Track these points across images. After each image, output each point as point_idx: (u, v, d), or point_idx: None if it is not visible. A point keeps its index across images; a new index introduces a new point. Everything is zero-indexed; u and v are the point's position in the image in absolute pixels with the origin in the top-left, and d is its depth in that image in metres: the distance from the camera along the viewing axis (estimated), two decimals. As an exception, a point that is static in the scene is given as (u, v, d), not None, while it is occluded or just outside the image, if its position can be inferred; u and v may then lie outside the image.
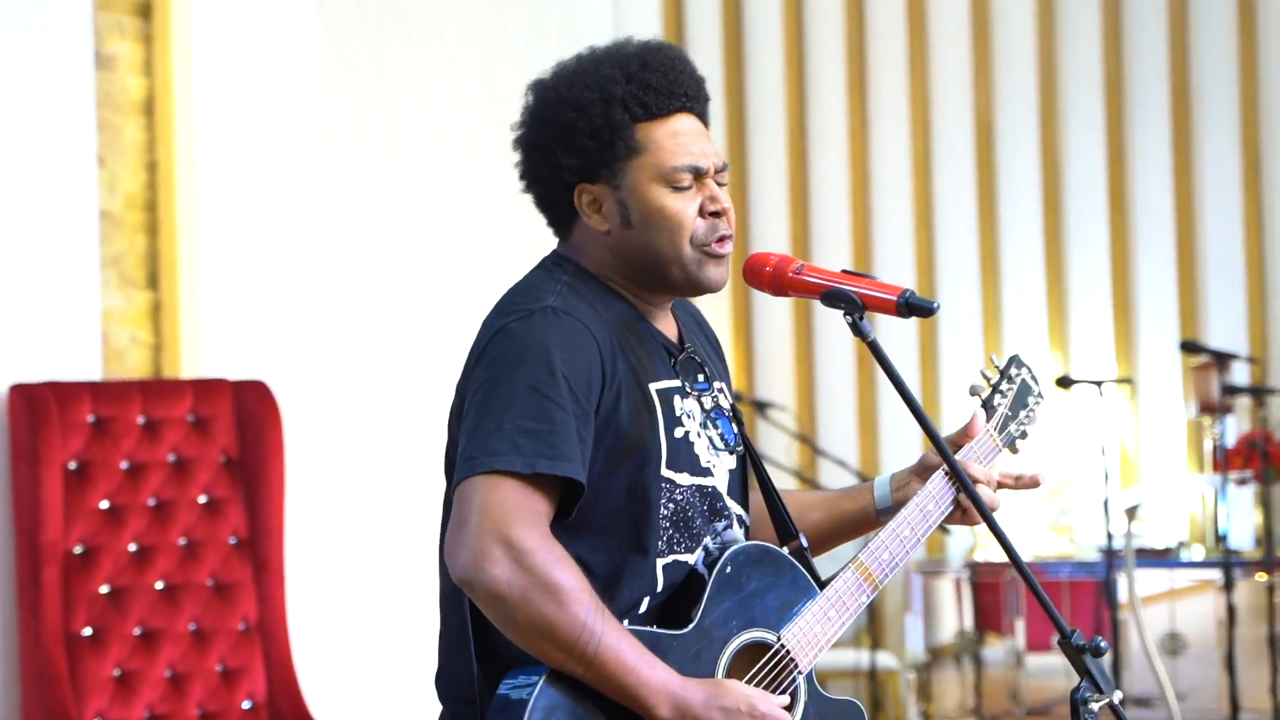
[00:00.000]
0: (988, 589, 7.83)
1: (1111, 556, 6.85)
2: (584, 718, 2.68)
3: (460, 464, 2.70)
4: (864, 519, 3.09)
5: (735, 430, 2.96)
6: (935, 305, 2.79)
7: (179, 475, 5.57)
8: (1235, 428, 7.82)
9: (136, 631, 5.42)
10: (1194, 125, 8.12)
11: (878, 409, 8.45)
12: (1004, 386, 3.16)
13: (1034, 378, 3.20)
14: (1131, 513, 7.01)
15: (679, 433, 2.84)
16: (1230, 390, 6.98)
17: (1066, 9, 8.29)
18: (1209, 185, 8.11)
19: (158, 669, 5.44)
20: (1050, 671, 7.71)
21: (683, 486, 2.83)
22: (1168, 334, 8.13)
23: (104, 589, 5.38)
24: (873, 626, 7.71)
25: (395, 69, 6.88)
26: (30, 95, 5.56)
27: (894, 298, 2.81)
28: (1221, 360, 7.02)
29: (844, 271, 2.87)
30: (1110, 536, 6.73)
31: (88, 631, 5.33)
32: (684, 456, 2.83)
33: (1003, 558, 7.86)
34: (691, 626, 2.76)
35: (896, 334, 8.08)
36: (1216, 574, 7.29)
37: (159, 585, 5.49)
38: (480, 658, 2.79)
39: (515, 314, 2.77)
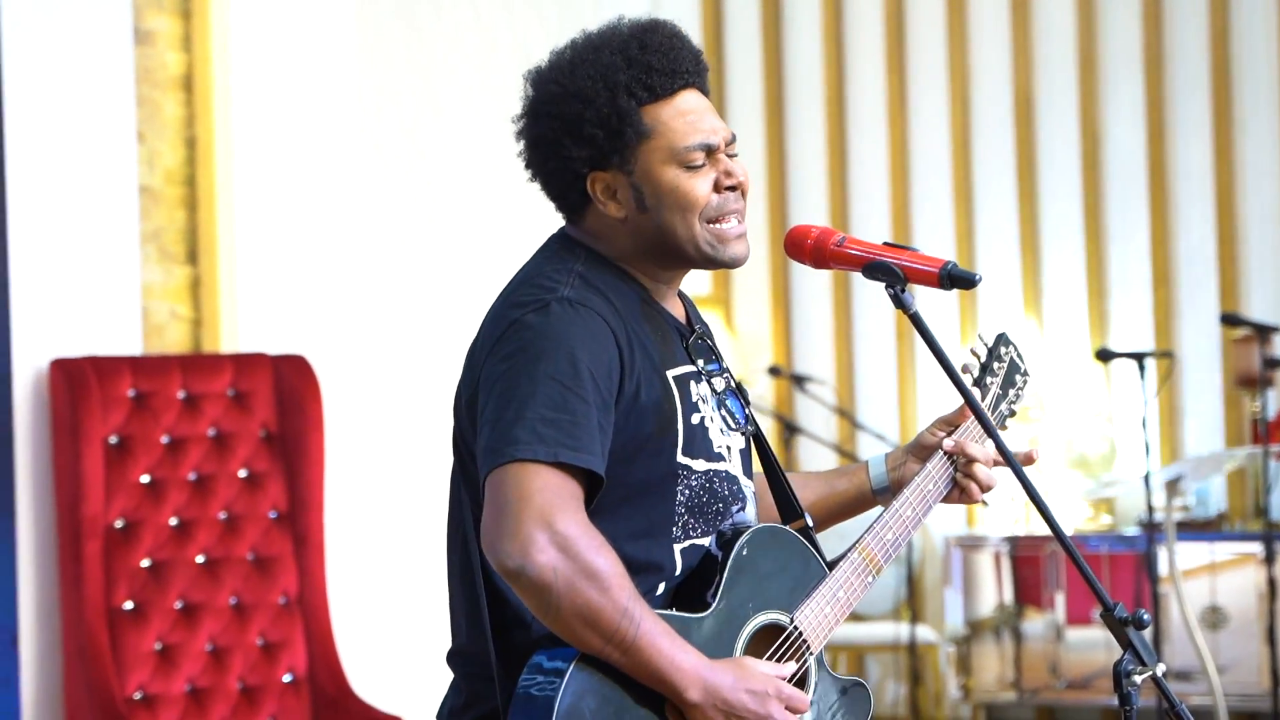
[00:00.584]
0: (1027, 562, 7.81)
1: (1152, 530, 6.82)
2: (614, 701, 2.68)
3: (485, 456, 2.70)
4: (859, 499, 3.10)
5: (745, 410, 2.96)
6: (977, 277, 2.79)
7: (219, 449, 5.59)
8: (1276, 401, 7.78)
9: (177, 605, 5.44)
10: (1234, 100, 8.08)
11: (917, 382, 8.44)
12: (994, 365, 3.16)
13: (1020, 355, 3.21)
14: (1172, 486, 6.99)
15: (695, 419, 2.84)
16: (1271, 363, 6.95)
17: (1106, -19, 8.26)
18: (1249, 159, 8.07)
19: (198, 643, 5.47)
20: (1090, 645, 7.69)
21: (698, 473, 2.83)
22: (1208, 307, 8.09)
23: (145, 563, 5.40)
24: (912, 600, 7.71)
25: (430, 44, 6.88)
26: (70, 71, 5.58)
27: (936, 270, 2.81)
28: (1262, 333, 6.98)
29: (885, 244, 2.87)
30: (1151, 509, 6.70)
31: (129, 605, 5.36)
32: (700, 443, 2.84)
33: (1042, 531, 7.85)
34: (711, 609, 2.76)
35: (936, 307, 8.06)
36: (1257, 547, 7.26)
37: (199, 559, 5.51)
38: (497, 638, 2.79)
39: (530, 305, 2.76)
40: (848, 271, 2.88)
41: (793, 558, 2.87)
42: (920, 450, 3.06)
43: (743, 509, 2.90)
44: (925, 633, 7.89)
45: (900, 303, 2.81)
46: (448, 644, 2.90)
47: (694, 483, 2.82)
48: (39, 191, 5.46)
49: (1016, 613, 7.81)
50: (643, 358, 2.78)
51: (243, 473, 5.62)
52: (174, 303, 5.96)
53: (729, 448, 2.90)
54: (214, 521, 5.54)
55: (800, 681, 2.83)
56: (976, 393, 3.10)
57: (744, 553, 2.81)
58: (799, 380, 7.90)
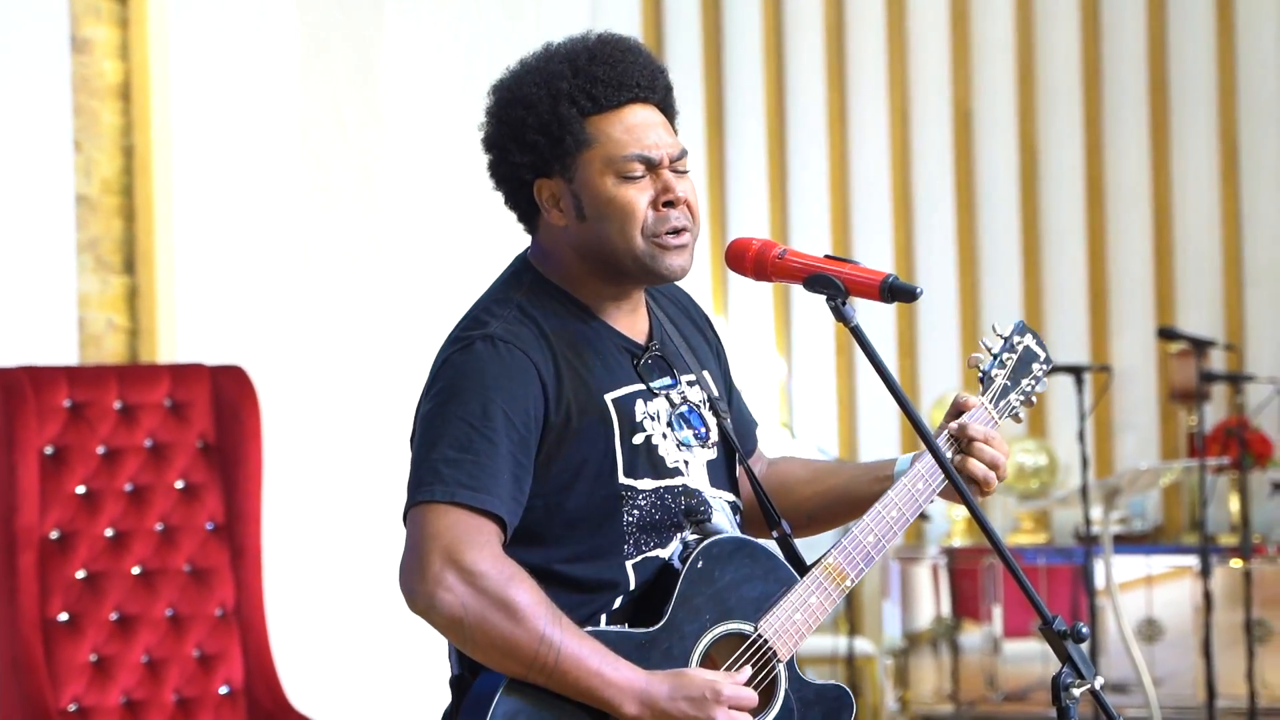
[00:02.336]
0: (965, 575, 7.83)
1: (1089, 542, 6.85)
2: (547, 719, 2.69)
3: (407, 494, 2.77)
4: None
5: (707, 423, 2.93)
6: (918, 290, 2.79)
7: (156, 460, 5.55)
8: (1213, 414, 7.83)
9: (113, 617, 5.40)
10: (1171, 115, 8.12)
11: (856, 395, 8.45)
12: (1005, 356, 3.13)
13: (1039, 344, 3.16)
14: (1109, 499, 7.02)
15: (638, 439, 2.83)
16: (1207, 377, 6.99)
17: (1046, 0, 8.31)
18: (1186, 174, 8.12)
19: (134, 655, 5.43)
20: (1027, 657, 7.71)
21: (645, 492, 2.82)
22: (1145, 321, 8.13)
23: (80, 574, 5.36)
24: (850, 612, 7.73)
25: (372, 53, 6.86)
26: (6, 79, 5.54)
27: (877, 282, 2.81)
28: (1199, 347, 7.03)
29: (827, 256, 2.87)
30: (1088, 522, 6.73)
31: (64, 617, 5.32)
32: (644, 462, 2.83)
33: (980, 544, 7.87)
34: (662, 623, 2.77)
35: (874, 321, 8.08)
36: (1193, 560, 7.30)
37: (136, 571, 5.47)
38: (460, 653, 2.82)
39: (459, 343, 2.80)
40: (788, 284, 2.88)
41: (758, 568, 2.86)
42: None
43: (708, 520, 2.89)
44: (863, 645, 7.90)
45: (841, 315, 2.81)
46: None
47: (641, 502, 2.82)
48: (-25, 200, 5.43)
49: (954, 625, 7.83)
50: (575, 385, 2.79)
51: (180, 484, 5.59)
52: (111, 313, 5.92)
53: (687, 462, 2.89)
54: (150, 533, 5.51)
55: (769, 688, 2.82)
56: (984, 412, 3.06)
57: (699, 565, 2.80)
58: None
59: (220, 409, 5.67)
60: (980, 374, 3.11)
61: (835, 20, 8.53)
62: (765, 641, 2.82)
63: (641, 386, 2.87)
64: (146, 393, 5.56)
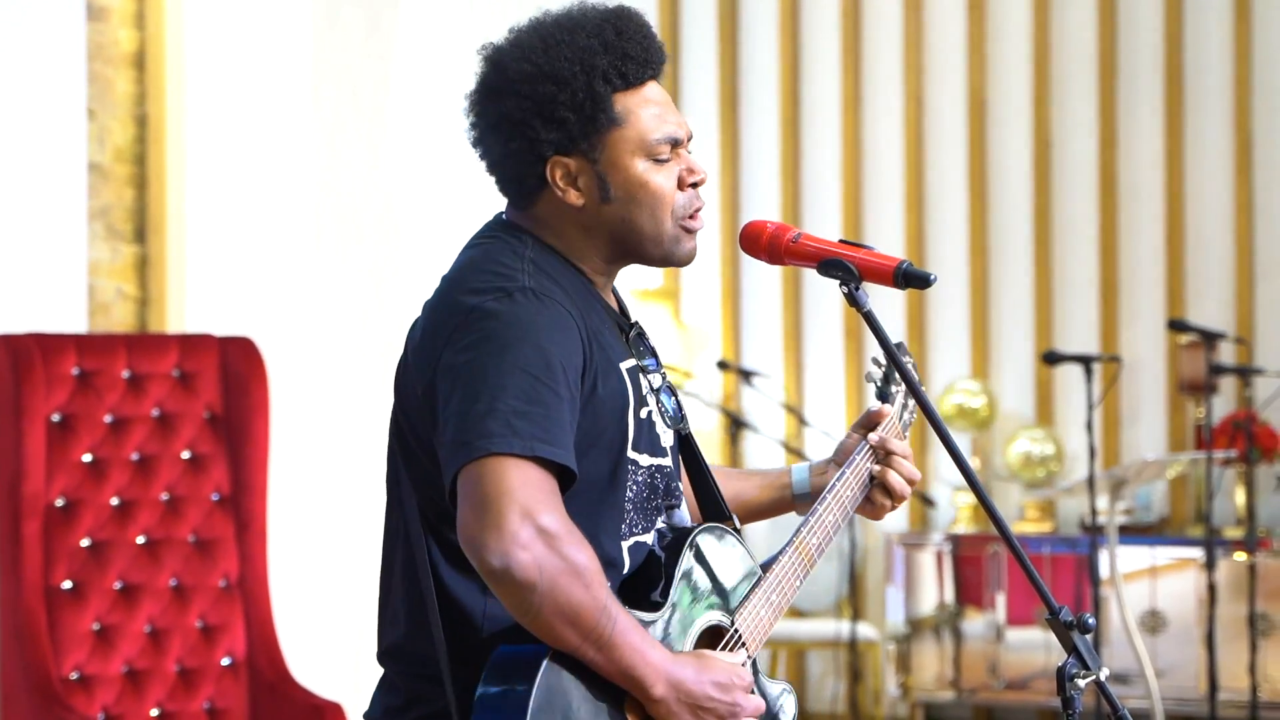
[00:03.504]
0: (969, 562, 7.83)
1: (1094, 532, 6.85)
2: (582, 698, 2.63)
3: (454, 450, 2.60)
4: (777, 504, 3.08)
5: (679, 406, 2.92)
6: (932, 277, 2.78)
7: (163, 430, 5.55)
8: (1221, 407, 7.82)
9: (117, 586, 5.41)
10: (1186, 105, 8.11)
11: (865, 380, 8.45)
12: (895, 375, 3.14)
13: (913, 366, 3.16)
14: (1115, 489, 7.01)
15: (644, 413, 2.80)
16: (1217, 370, 6.98)
17: (1062, -16, 8.29)
18: (1199, 165, 8.11)
19: (137, 624, 5.43)
20: (1030, 646, 7.71)
21: (643, 468, 2.79)
22: (1155, 312, 8.12)
23: (85, 543, 5.36)
24: (853, 597, 7.72)
25: (385, 26, 6.85)
26: (21, 46, 5.53)
27: (891, 268, 2.80)
28: (1208, 339, 7.01)
29: (841, 241, 2.86)
30: (1094, 512, 6.73)
31: (68, 585, 5.32)
32: (646, 437, 2.80)
33: (985, 531, 7.87)
34: (663, 610, 2.73)
35: (884, 306, 8.07)
36: (1198, 552, 7.29)
37: (140, 540, 5.47)
38: (448, 637, 2.72)
39: (489, 293, 2.68)
40: (800, 267, 2.87)
41: (731, 559, 2.85)
42: (843, 456, 3.04)
43: (678, 507, 2.87)
44: (866, 630, 7.90)
45: (854, 300, 2.80)
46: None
47: (639, 478, 2.79)
48: (-13, 166, 5.43)
49: (957, 612, 7.83)
50: (598, 350, 2.73)
51: (186, 454, 5.59)
52: (120, 281, 5.92)
53: (670, 446, 2.87)
54: (156, 503, 5.51)
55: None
56: (900, 396, 3.11)
57: (692, 551, 2.78)
58: (747, 375, 7.90)
59: (228, 380, 5.66)
60: (877, 391, 3.12)
61: (851, 5, 8.51)
62: (740, 636, 2.81)
63: (637, 361, 2.83)
64: (155, 362, 5.56)
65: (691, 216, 2.82)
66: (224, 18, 6.12)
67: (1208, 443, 7.00)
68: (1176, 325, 7.18)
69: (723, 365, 8.08)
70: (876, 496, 3.03)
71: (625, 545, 2.78)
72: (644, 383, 2.82)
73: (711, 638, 2.80)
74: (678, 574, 2.75)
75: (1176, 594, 7.54)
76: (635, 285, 8.56)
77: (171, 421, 5.57)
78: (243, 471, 5.64)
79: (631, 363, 2.81)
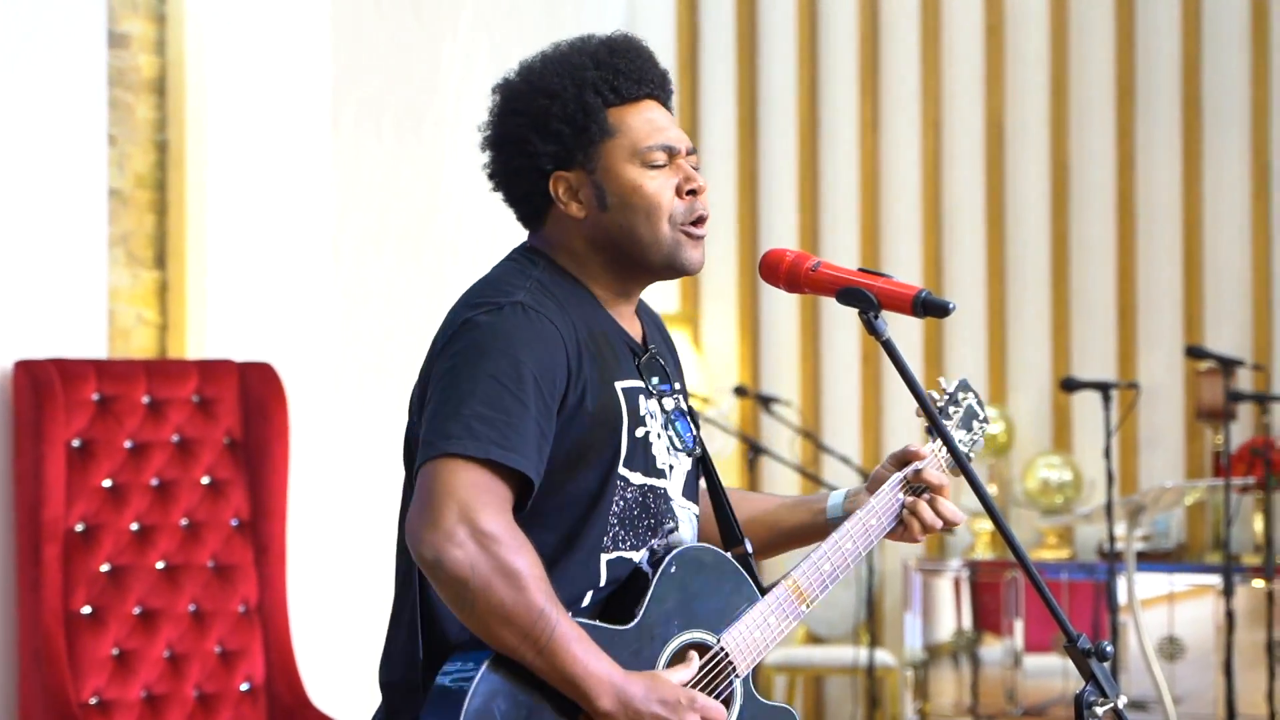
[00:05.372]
0: (987, 589, 7.82)
1: (1112, 559, 6.84)
2: (525, 704, 2.69)
3: (420, 448, 2.72)
4: (812, 531, 3.11)
5: (693, 432, 2.96)
6: (951, 305, 2.80)
7: (182, 455, 5.57)
8: (1239, 434, 7.81)
9: (136, 611, 5.42)
10: (1204, 131, 8.11)
11: (882, 406, 8.45)
12: (950, 410, 3.18)
13: (980, 403, 3.23)
14: (1133, 516, 7.01)
15: (640, 432, 2.85)
16: (1234, 396, 6.97)
17: (1080, 13, 8.28)
18: (1217, 191, 8.10)
19: (156, 649, 5.44)
20: (1048, 672, 7.70)
21: (634, 485, 2.84)
22: (1173, 339, 8.12)
23: (104, 568, 5.37)
24: (871, 623, 7.72)
25: (407, 53, 6.87)
26: (43, 72, 5.56)
27: (910, 297, 2.82)
28: (1226, 366, 7.01)
29: (860, 270, 2.87)
30: (1112, 539, 6.72)
31: (87, 610, 5.33)
32: (641, 456, 2.85)
33: (1002, 557, 7.87)
34: (634, 623, 2.77)
35: (901, 333, 8.07)
36: (1216, 579, 7.28)
37: (160, 565, 5.49)
38: (426, 643, 2.80)
39: (483, 307, 2.78)
40: (819, 295, 2.89)
41: (724, 580, 2.88)
42: (873, 485, 3.08)
43: (676, 528, 2.90)
44: (883, 656, 7.89)
45: (873, 329, 2.82)
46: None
47: (629, 495, 2.83)
48: (8, 191, 5.44)
49: (975, 638, 7.82)
50: (592, 366, 2.80)
51: (205, 480, 5.60)
52: (141, 307, 5.94)
53: (672, 467, 2.91)
54: (175, 528, 5.52)
55: (725, 703, 2.83)
56: (935, 459, 3.11)
57: (672, 570, 2.82)
58: (765, 401, 7.90)
59: (248, 405, 5.68)
60: (927, 429, 3.10)
61: (869, 30, 8.53)
62: (726, 655, 2.83)
63: (643, 384, 2.88)
64: (175, 388, 5.58)
65: (694, 224, 2.85)
66: (244, 44, 6.14)
67: (1226, 469, 7.00)
68: (1194, 352, 7.18)
69: (740, 391, 8.09)
70: (913, 526, 3.04)
71: (605, 558, 2.83)
72: (644, 405, 2.86)
73: (699, 656, 2.82)
74: (652, 589, 2.79)
75: (1194, 621, 7.52)
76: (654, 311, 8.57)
77: (191, 447, 5.58)
78: (262, 497, 5.65)
79: (632, 383, 2.86)
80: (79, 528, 5.34)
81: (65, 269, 5.60)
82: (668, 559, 2.82)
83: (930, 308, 2.81)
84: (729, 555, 2.92)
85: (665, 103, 2.95)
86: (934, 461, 3.08)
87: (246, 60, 6.15)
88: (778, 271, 2.91)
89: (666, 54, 8.76)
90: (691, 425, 2.97)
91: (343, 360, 6.49)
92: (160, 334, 5.98)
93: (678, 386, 2.98)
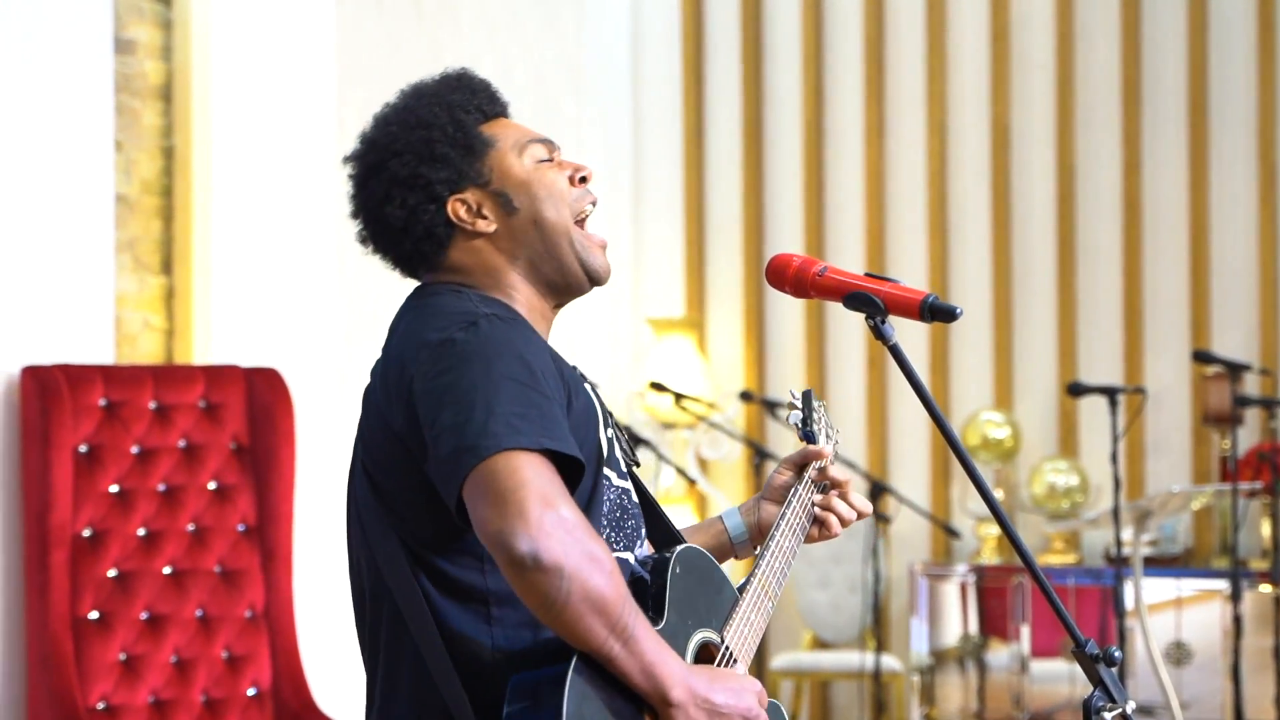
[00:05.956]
0: (993, 593, 7.82)
1: (1119, 564, 6.84)
2: (609, 705, 2.64)
3: (459, 457, 2.60)
4: (718, 551, 3.13)
5: (631, 456, 2.97)
6: (958, 310, 2.80)
7: (189, 461, 5.57)
8: (1246, 439, 7.81)
9: (143, 616, 5.42)
10: (1210, 135, 8.11)
11: (888, 411, 8.45)
12: (814, 416, 3.22)
13: (826, 410, 3.29)
14: (1140, 521, 7.00)
15: (609, 433, 2.86)
16: (1241, 401, 6.97)
17: (1085, 17, 8.29)
18: (1224, 195, 8.11)
19: (163, 654, 5.44)
20: (1054, 677, 7.70)
21: (615, 487, 2.85)
22: (1179, 343, 8.12)
23: (112, 573, 5.38)
24: (878, 628, 7.71)
25: (411, 60, 6.88)
26: (49, 78, 5.56)
27: (917, 301, 2.82)
28: (1233, 371, 7.00)
29: (867, 275, 2.87)
30: (1119, 544, 6.72)
31: (94, 615, 5.33)
32: (612, 457, 2.86)
33: (1009, 562, 7.86)
34: (662, 625, 2.75)
35: (907, 337, 8.07)
36: (1223, 584, 7.28)
37: (167, 570, 5.49)
38: (461, 676, 2.71)
39: (452, 328, 2.72)
40: (826, 301, 2.89)
41: (714, 580, 2.90)
42: (774, 493, 3.13)
43: (643, 538, 2.92)
44: (890, 661, 7.89)
45: (880, 334, 2.82)
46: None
47: (612, 496, 2.84)
48: (15, 197, 5.45)
49: (981, 643, 7.82)
50: (565, 369, 2.80)
51: (212, 485, 5.61)
52: (147, 312, 5.94)
53: (628, 474, 2.93)
54: (182, 533, 5.53)
55: None
56: (825, 440, 3.20)
57: (677, 570, 2.81)
58: (770, 406, 7.90)
59: (254, 411, 5.68)
60: (802, 434, 3.19)
61: (875, 34, 8.53)
62: (730, 653, 2.84)
63: (592, 387, 2.91)
64: (181, 393, 5.58)
65: (585, 216, 2.90)
66: (249, 50, 6.15)
67: (1233, 474, 6.99)
68: (1201, 357, 7.18)
69: (746, 396, 8.09)
70: (830, 522, 3.13)
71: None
72: (600, 408, 2.87)
73: (704, 654, 2.82)
74: (669, 590, 2.78)
75: (1202, 626, 7.52)
76: (657, 314, 8.57)
77: (198, 452, 5.58)
78: (269, 502, 5.65)
79: (589, 386, 2.88)
80: (86, 533, 5.34)
81: (72, 274, 5.61)
82: (673, 560, 2.81)
83: (937, 312, 2.81)
84: (709, 554, 2.93)
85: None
86: (830, 448, 3.18)
87: (252, 66, 6.16)
88: (784, 276, 2.91)
89: (672, 59, 8.77)
90: (629, 449, 2.99)
91: (348, 365, 6.49)
92: (167, 339, 5.98)
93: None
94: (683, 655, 2.76)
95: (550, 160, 2.91)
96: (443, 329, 2.72)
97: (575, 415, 2.75)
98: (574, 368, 2.89)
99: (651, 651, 2.61)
